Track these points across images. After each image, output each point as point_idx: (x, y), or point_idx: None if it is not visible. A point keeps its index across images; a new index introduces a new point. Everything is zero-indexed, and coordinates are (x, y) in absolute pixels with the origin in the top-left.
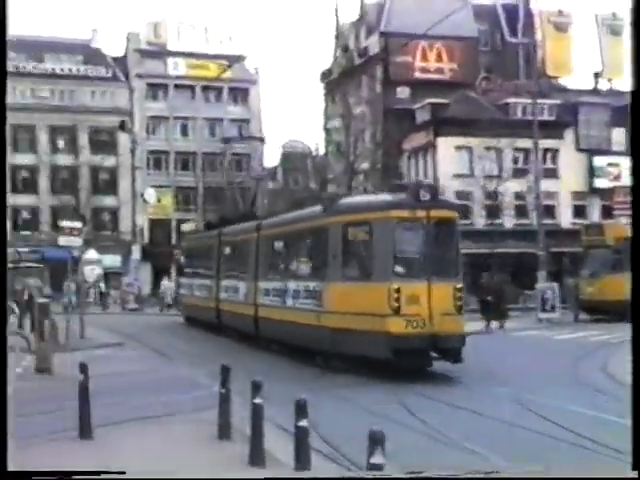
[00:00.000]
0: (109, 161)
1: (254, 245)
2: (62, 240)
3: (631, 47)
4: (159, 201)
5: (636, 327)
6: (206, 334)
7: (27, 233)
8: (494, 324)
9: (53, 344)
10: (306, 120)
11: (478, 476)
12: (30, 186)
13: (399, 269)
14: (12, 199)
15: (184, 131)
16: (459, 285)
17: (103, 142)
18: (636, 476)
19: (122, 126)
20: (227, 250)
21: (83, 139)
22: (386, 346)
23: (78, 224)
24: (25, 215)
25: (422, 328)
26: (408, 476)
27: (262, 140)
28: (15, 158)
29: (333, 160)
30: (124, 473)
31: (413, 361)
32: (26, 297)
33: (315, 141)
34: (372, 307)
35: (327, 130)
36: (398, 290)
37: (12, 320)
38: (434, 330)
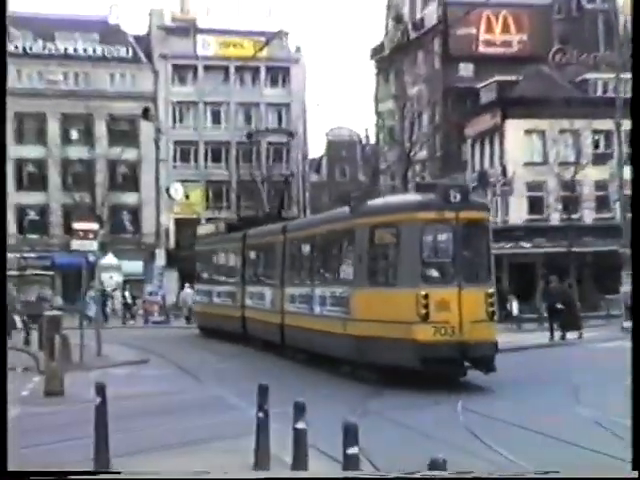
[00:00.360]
0: (130, 153)
1: (280, 248)
2: (75, 244)
3: (632, 48)
4: (187, 198)
5: (636, 328)
6: (233, 346)
7: (35, 236)
8: (573, 334)
9: (65, 363)
10: (355, 103)
11: (481, 476)
12: (38, 182)
13: (427, 274)
14: (17, 197)
15: (216, 118)
16: (491, 290)
17: (123, 132)
18: (636, 476)
19: (145, 113)
20: (253, 254)
21: (100, 128)
22: (414, 355)
23: (94, 225)
24: (32, 216)
25: (451, 336)
26: (407, 476)
27: (291, 134)
28: (21, 151)
29: (386, 148)
30: (119, 473)
31: (443, 370)
32: None
33: (365, 127)
34: (399, 314)
35: (379, 114)
36: (426, 296)
37: (14, 335)
38: (464, 338)
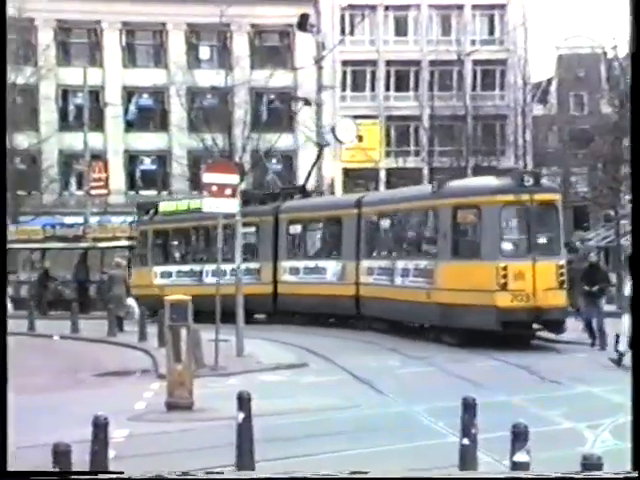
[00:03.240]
0: (281, 79)
1: (354, 222)
2: (208, 203)
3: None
4: (360, 140)
5: (636, 326)
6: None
7: (151, 193)
8: None
9: (194, 365)
10: (599, 2)
11: (482, 476)
12: (155, 119)
13: (506, 248)
14: (126, 140)
15: (401, 28)
16: (561, 262)
17: (272, 49)
18: (636, 476)
19: (302, 23)
20: (297, 228)
21: (240, 45)
22: (495, 319)
23: (233, 178)
24: (147, 164)
25: (527, 302)
26: (407, 475)
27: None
28: (132, 77)
29: None
30: (122, 473)
31: (519, 332)
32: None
33: (612, 35)
34: (481, 283)
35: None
36: (505, 268)
37: (128, 327)
38: (538, 304)
